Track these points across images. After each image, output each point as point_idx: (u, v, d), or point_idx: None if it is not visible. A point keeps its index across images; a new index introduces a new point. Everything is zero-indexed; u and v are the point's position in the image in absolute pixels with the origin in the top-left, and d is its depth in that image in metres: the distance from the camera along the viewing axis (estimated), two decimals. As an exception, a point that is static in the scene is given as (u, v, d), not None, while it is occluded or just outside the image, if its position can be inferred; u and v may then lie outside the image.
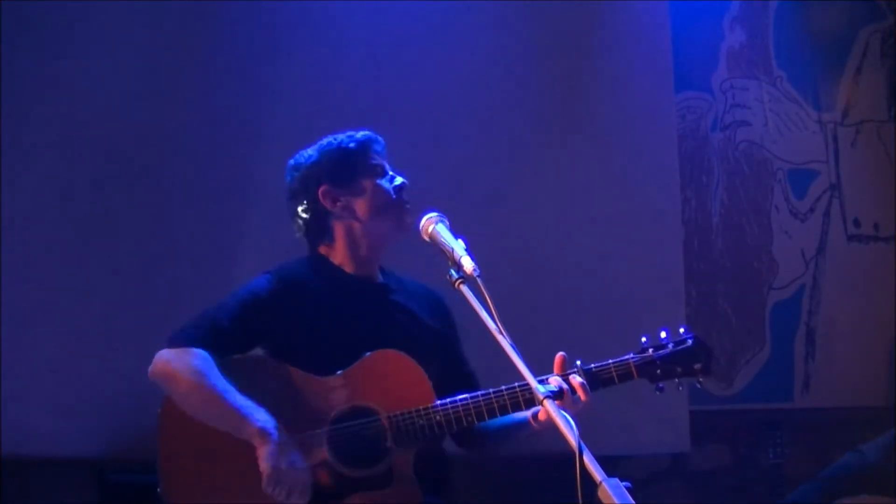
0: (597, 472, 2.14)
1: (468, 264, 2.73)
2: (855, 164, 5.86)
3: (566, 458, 2.22)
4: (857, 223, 5.83)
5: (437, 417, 2.91)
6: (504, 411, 2.94)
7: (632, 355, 2.99)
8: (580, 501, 2.14)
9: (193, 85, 4.41)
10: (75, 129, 4.23)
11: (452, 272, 2.75)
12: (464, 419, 2.92)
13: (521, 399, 2.92)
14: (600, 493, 2.10)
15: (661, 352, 2.98)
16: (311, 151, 3.23)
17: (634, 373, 2.98)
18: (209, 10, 4.46)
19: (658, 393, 2.98)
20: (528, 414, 2.99)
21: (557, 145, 5.00)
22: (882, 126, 5.92)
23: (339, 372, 2.97)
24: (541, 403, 2.43)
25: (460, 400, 2.94)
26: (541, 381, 2.73)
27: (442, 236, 2.87)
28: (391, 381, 2.95)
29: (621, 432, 4.75)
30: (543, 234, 4.89)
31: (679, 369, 2.98)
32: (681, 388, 3.01)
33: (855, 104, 5.88)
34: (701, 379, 2.99)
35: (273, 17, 4.55)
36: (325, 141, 3.24)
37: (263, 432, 2.85)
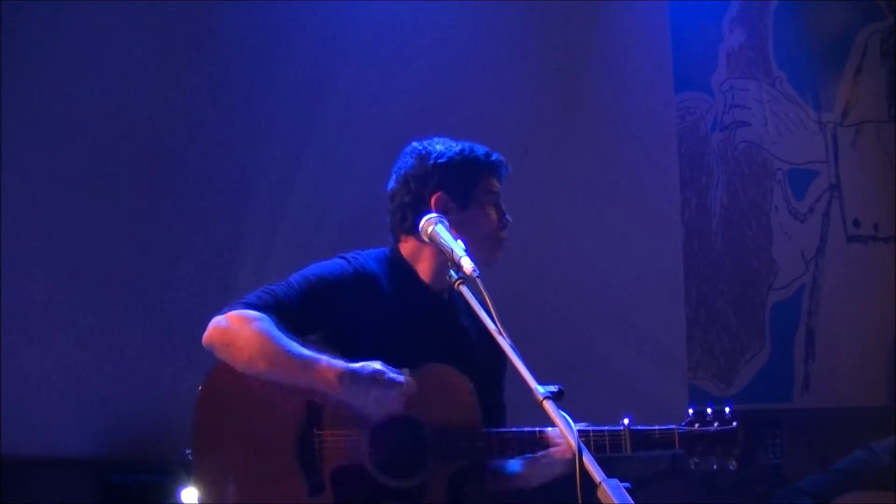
0: (596, 473, 2.13)
1: (468, 265, 2.71)
2: (855, 164, 5.86)
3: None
4: (856, 223, 5.83)
5: (480, 444, 2.88)
6: (539, 447, 2.90)
7: (678, 425, 2.95)
8: (580, 501, 2.14)
9: (193, 85, 4.41)
10: (75, 130, 4.23)
11: (452, 273, 2.73)
12: (504, 450, 2.90)
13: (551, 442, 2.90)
14: (600, 494, 2.09)
15: (706, 429, 2.95)
16: (441, 148, 3.08)
17: (676, 442, 2.94)
18: (209, 10, 4.47)
19: (692, 467, 2.96)
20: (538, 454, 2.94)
21: (557, 145, 5.00)
22: (882, 126, 5.91)
23: None
24: (540, 404, 2.42)
25: (505, 431, 2.91)
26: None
27: (441, 237, 2.85)
28: (443, 397, 2.90)
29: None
30: (543, 234, 4.88)
31: (719, 450, 2.95)
32: (715, 468, 2.97)
33: (855, 104, 5.88)
34: (734, 464, 2.96)
35: (273, 18, 4.55)
36: (458, 146, 3.10)
37: (347, 368, 2.78)
